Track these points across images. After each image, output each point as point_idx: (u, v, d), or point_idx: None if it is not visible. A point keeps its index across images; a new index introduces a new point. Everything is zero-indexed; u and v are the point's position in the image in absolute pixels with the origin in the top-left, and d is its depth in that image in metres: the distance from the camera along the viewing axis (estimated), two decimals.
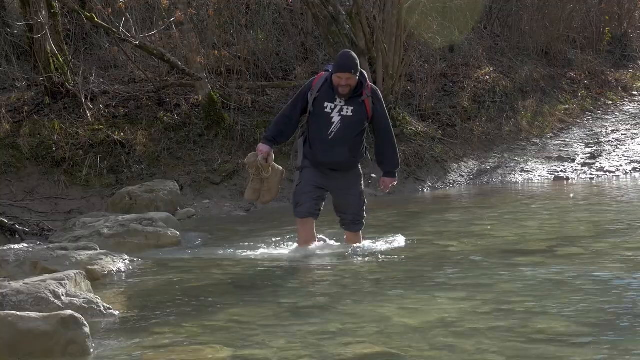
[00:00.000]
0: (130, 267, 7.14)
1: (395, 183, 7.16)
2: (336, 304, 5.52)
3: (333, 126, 6.71)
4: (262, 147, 6.82)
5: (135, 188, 10.24)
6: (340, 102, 6.69)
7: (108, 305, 5.48)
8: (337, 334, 4.78)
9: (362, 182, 7.01)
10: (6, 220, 9.22)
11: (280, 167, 7.02)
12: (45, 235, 9.18)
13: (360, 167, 7.01)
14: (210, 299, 5.83)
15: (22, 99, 12.26)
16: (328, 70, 6.80)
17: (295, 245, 7.14)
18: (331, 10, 12.90)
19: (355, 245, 7.06)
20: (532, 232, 8.23)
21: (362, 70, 6.74)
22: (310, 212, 6.83)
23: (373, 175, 7.27)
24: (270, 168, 6.83)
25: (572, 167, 13.42)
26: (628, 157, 13.83)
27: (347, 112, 6.71)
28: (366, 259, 6.86)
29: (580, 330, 4.71)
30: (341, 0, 13.43)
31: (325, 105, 6.70)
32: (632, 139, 14.72)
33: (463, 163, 13.15)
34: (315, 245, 6.98)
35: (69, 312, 4.68)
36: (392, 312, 5.23)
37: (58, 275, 5.63)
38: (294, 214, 6.94)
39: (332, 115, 6.71)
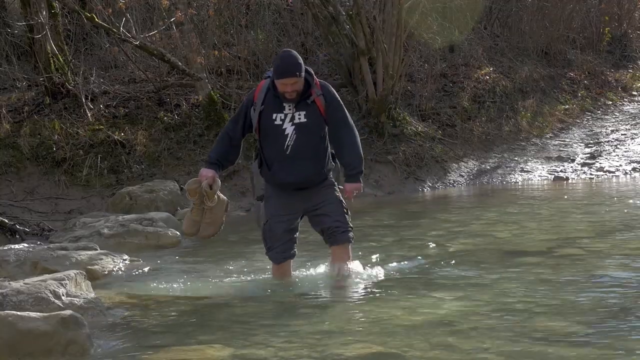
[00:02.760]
0: (130, 267, 7.14)
1: (360, 189, 5.94)
2: (336, 304, 5.53)
3: (288, 139, 5.73)
4: (206, 172, 5.78)
5: (135, 188, 10.25)
6: (290, 109, 5.73)
7: (108, 305, 5.49)
8: (337, 334, 4.78)
9: (338, 191, 5.95)
10: (6, 220, 9.23)
11: (225, 198, 6.00)
12: (45, 235, 9.19)
13: (331, 178, 5.96)
14: (210, 299, 5.84)
15: (22, 99, 12.27)
16: (269, 77, 5.84)
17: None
18: (331, 10, 12.90)
19: (343, 266, 5.97)
20: (532, 232, 8.23)
21: (307, 69, 5.78)
22: (284, 257, 5.95)
23: (340, 187, 5.97)
24: (215, 196, 5.82)
25: (571, 167, 13.42)
26: (628, 157, 13.83)
27: (299, 118, 5.74)
28: (365, 259, 6.86)
29: (580, 330, 4.71)
30: (341, 0, 13.43)
31: (274, 117, 5.74)
32: (632, 139, 14.72)
33: (463, 163, 13.16)
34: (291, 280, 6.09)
35: (69, 312, 4.68)
36: (392, 312, 5.24)
37: (58, 275, 5.64)
38: (266, 255, 6.06)
39: (284, 127, 5.73)
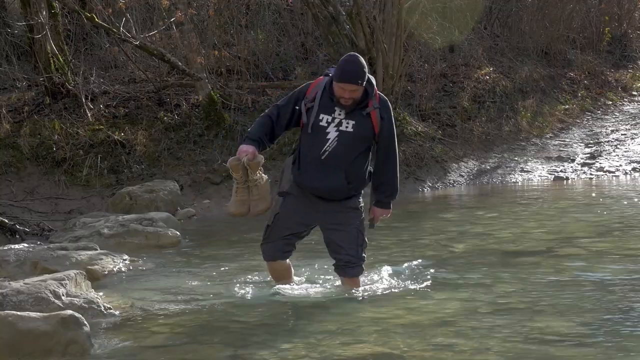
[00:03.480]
0: (130, 267, 7.15)
1: (388, 215, 5.78)
2: (336, 304, 5.53)
3: (328, 144, 5.40)
4: (246, 147, 5.41)
5: (135, 188, 10.25)
6: (340, 114, 5.40)
7: (108, 305, 5.49)
8: (337, 334, 4.78)
9: (361, 217, 5.68)
10: (6, 220, 9.22)
11: (266, 176, 5.65)
12: (45, 235, 9.18)
13: (360, 199, 5.67)
14: (210, 299, 5.83)
15: (22, 99, 12.27)
16: (328, 75, 5.52)
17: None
18: (331, 10, 12.90)
19: (350, 289, 5.74)
20: (532, 232, 8.23)
21: (370, 78, 5.44)
22: (274, 256, 5.68)
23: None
24: (259, 171, 5.51)
25: (571, 167, 13.42)
26: (628, 157, 13.83)
27: (346, 126, 5.40)
28: (365, 259, 6.85)
29: (580, 330, 4.72)
30: (341, 0, 13.43)
31: (321, 118, 5.41)
32: (632, 139, 14.72)
33: (463, 163, 13.16)
34: (291, 285, 5.86)
35: (69, 312, 4.69)
36: (392, 312, 5.24)
37: (58, 275, 5.64)
38: (260, 246, 5.77)
39: (327, 130, 5.41)
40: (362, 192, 5.69)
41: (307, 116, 5.43)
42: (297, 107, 5.47)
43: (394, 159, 5.62)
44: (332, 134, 5.41)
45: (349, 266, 5.63)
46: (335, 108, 5.40)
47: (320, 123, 5.41)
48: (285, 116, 5.49)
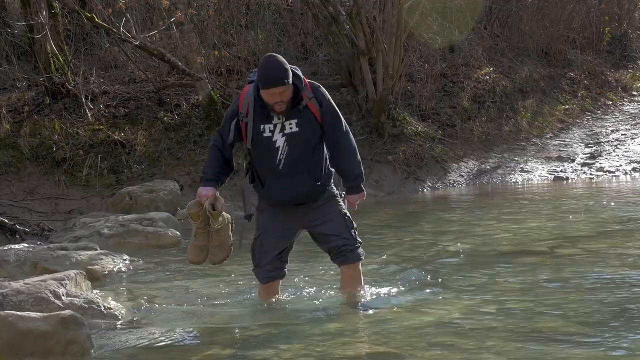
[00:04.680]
0: (130, 267, 7.15)
1: (363, 197, 5.42)
2: (336, 304, 5.53)
3: (280, 152, 5.14)
4: (205, 191, 5.19)
5: (135, 188, 10.25)
6: (279, 118, 5.12)
7: (108, 305, 5.49)
8: (337, 334, 4.78)
9: (341, 202, 5.39)
10: (6, 220, 9.23)
11: (228, 215, 5.41)
12: (45, 235, 9.19)
13: (332, 187, 5.38)
14: (209, 299, 5.84)
15: (22, 99, 12.28)
16: (253, 81, 5.23)
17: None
18: (331, 10, 12.90)
19: (353, 289, 5.52)
20: (532, 232, 8.23)
21: (294, 69, 5.15)
22: (271, 277, 5.39)
23: (343, 193, 5.42)
24: (221, 217, 5.28)
25: (571, 167, 13.42)
26: (628, 157, 13.82)
27: (291, 127, 5.14)
28: (365, 260, 6.85)
29: (580, 330, 4.72)
30: (341, 0, 13.43)
31: (262, 129, 5.14)
32: (632, 139, 14.72)
33: (463, 163, 13.16)
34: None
35: (69, 312, 4.69)
36: (392, 312, 5.24)
37: (58, 275, 5.64)
38: (253, 271, 5.50)
39: (274, 139, 5.14)
40: (332, 179, 5.43)
41: (247, 131, 5.17)
42: (233, 126, 5.20)
43: (346, 143, 5.28)
44: (280, 140, 5.15)
45: (347, 249, 5.32)
46: (272, 114, 5.14)
47: (264, 134, 5.16)
48: (226, 138, 5.24)
